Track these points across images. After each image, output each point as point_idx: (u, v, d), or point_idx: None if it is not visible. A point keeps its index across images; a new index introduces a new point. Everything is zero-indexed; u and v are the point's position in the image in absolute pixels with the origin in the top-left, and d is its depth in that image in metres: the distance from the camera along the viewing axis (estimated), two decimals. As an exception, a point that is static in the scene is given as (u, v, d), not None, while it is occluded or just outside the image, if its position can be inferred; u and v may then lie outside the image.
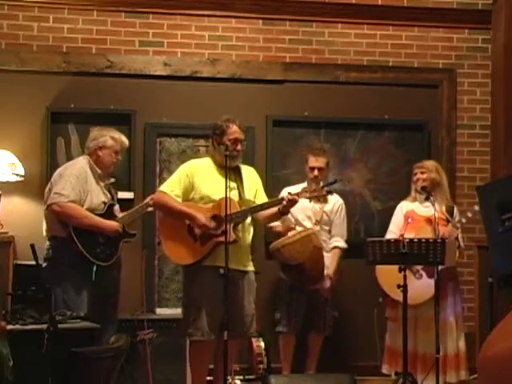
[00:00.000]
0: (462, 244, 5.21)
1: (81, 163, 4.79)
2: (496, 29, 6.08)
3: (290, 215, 5.23)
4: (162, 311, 5.38)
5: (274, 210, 4.51)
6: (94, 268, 4.60)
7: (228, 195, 4.22)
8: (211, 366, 4.76)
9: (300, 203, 4.91)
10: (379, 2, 6.08)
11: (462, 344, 5.08)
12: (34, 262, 3.60)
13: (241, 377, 5.44)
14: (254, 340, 5.40)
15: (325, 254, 5.22)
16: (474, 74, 6.22)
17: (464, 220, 5.05)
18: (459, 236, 5.15)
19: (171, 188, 4.57)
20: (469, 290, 5.96)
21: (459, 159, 6.16)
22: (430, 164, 5.32)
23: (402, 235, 4.84)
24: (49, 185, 4.79)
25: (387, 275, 4.86)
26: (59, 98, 5.63)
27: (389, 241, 4.58)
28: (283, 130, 5.92)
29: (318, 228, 5.26)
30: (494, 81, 6.13)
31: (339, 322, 5.44)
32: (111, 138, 4.84)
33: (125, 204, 5.18)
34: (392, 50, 6.10)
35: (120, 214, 4.89)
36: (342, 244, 5.38)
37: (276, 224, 5.31)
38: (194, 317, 4.46)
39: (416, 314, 4.97)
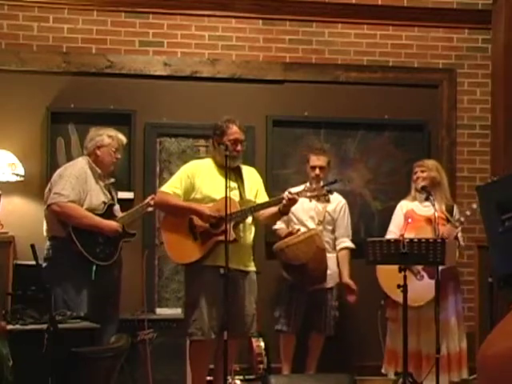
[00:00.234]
0: (462, 242, 5.21)
1: (80, 164, 4.80)
2: (496, 29, 6.08)
3: (292, 216, 5.26)
4: (162, 311, 5.38)
5: (275, 209, 4.51)
6: (94, 268, 4.61)
7: (228, 195, 4.22)
8: (211, 366, 4.77)
9: (303, 204, 4.92)
10: (379, 2, 6.08)
11: (463, 343, 5.09)
12: (34, 262, 3.60)
13: (241, 377, 5.44)
14: (254, 340, 5.41)
15: (328, 254, 5.22)
16: (474, 73, 6.22)
17: (463, 219, 5.06)
18: (459, 235, 5.15)
19: (172, 188, 4.59)
20: (469, 290, 5.95)
21: (459, 159, 6.16)
22: (430, 163, 5.33)
23: (402, 235, 4.84)
24: (49, 185, 4.79)
25: (388, 276, 4.86)
26: (59, 98, 5.63)
27: (389, 241, 4.59)
28: (283, 129, 5.92)
29: (320, 228, 5.26)
30: (494, 81, 6.13)
31: (340, 321, 5.43)
32: (108, 136, 4.85)
33: (125, 204, 5.18)
34: (392, 50, 6.10)
35: (120, 214, 4.89)
36: (350, 244, 5.38)
37: (280, 226, 5.32)
38: (195, 317, 4.46)
39: (418, 314, 4.97)
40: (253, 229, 4.64)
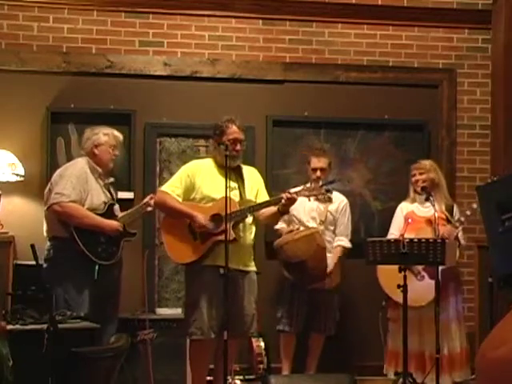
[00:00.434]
0: (462, 242, 5.21)
1: (80, 164, 4.79)
2: (496, 29, 6.08)
3: (294, 217, 5.26)
4: (162, 311, 5.38)
5: (274, 209, 4.52)
6: (97, 267, 4.61)
7: (228, 195, 4.22)
8: (211, 366, 4.77)
9: (304, 204, 4.92)
10: (379, 2, 6.08)
11: (465, 343, 5.10)
12: (34, 262, 3.60)
13: (241, 377, 5.44)
14: (254, 340, 5.41)
15: (329, 254, 5.22)
16: (474, 73, 6.21)
17: (463, 218, 5.06)
18: (460, 234, 5.15)
19: (172, 188, 4.59)
20: (469, 290, 5.95)
21: (459, 159, 6.16)
22: (427, 164, 5.32)
23: (402, 235, 4.84)
24: (48, 185, 4.79)
25: (388, 278, 4.86)
26: (59, 98, 5.63)
27: (389, 241, 4.59)
28: (283, 129, 5.92)
29: (322, 228, 5.26)
30: (494, 81, 6.12)
31: (340, 321, 5.43)
32: (104, 134, 4.85)
33: (125, 204, 5.17)
34: (392, 50, 6.10)
35: (120, 214, 4.90)
36: (346, 243, 5.38)
37: (281, 226, 5.32)
38: (194, 316, 4.47)
39: (420, 315, 4.98)
40: (253, 229, 4.64)
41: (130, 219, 4.93)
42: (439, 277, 4.71)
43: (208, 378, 4.80)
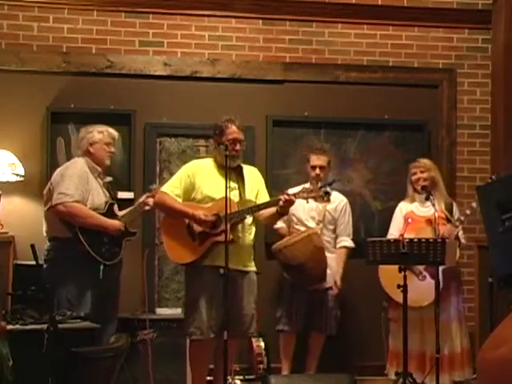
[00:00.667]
0: (463, 241, 5.21)
1: (80, 163, 4.77)
2: (496, 29, 6.08)
3: (293, 216, 5.26)
4: (162, 311, 5.38)
5: (273, 210, 4.51)
6: (101, 267, 4.60)
7: (228, 195, 4.22)
8: (211, 366, 4.77)
9: (303, 203, 4.92)
10: (379, 2, 6.08)
11: (466, 343, 5.10)
12: (34, 262, 3.60)
13: (241, 377, 5.44)
14: (254, 340, 5.41)
15: (329, 254, 5.22)
16: (474, 73, 6.21)
17: (463, 218, 5.06)
18: (460, 233, 5.15)
19: (171, 188, 4.59)
20: (469, 290, 5.95)
21: (459, 159, 6.16)
22: (427, 163, 5.32)
23: (402, 235, 4.84)
24: (48, 185, 4.77)
25: (390, 279, 4.85)
26: (59, 98, 5.63)
27: (389, 241, 4.59)
28: (283, 129, 5.92)
29: (320, 227, 5.26)
30: (494, 81, 6.12)
31: (341, 321, 5.43)
32: (98, 132, 4.84)
33: (125, 204, 5.17)
34: (392, 50, 6.10)
35: (119, 213, 4.89)
36: (349, 243, 5.39)
37: (280, 226, 5.32)
38: (194, 316, 4.47)
39: (422, 315, 4.97)
40: (253, 229, 4.64)
41: (130, 218, 4.93)
42: (439, 277, 4.72)
43: (208, 378, 4.80)
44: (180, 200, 4.57)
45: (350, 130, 6.03)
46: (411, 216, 5.22)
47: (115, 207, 4.87)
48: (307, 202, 4.70)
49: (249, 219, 4.57)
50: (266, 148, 5.88)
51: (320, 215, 5.31)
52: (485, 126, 6.17)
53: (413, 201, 5.29)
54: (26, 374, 3.54)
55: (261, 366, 5.41)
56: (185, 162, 4.99)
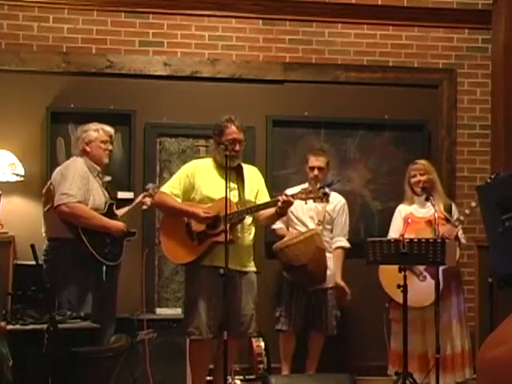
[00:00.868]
0: (463, 241, 5.21)
1: (80, 163, 4.70)
2: (496, 29, 6.08)
3: (292, 216, 5.26)
4: (162, 311, 5.38)
5: (272, 210, 4.51)
6: (104, 268, 4.58)
7: (228, 196, 4.22)
8: (211, 366, 4.77)
9: (302, 204, 4.91)
10: (379, 2, 6.08)
11: (467, 343, 5.10)
12: (34, 262, 3.60)
13: (241, 377, 5.44)
14: (254, 340, 5.40)
15: (328, 254, 5.22)
16: (474, 74, 6.21)
17: (462, 217, 5.06)
18: (459, 233, 5.15)
19: (171, 188, 4.60)
20: (469, 290, 5.95)
21: (459, 159, 6.16)
22: (426, 164, 5.30)
23: (402, 235, 4.84)
24: (48, 184, 4.73)
25: (390, 279, 4.85)
26: (59, 98, 5.63)
27: (389, 241, 4.59)
28: (283, 129, 5.92)
29: (320, 228, 5.26)
30: (494, 81, 6.12)
31: (342, 321, 5.43)
32: (94, 130, 4.77)
33: (125, 204, 5.16)
34: (392, 50, 6.10)
35: (117, 213, 4.87)
36: (345, 243, 5.38)
37: (279, 226, 5.32)
38: (193, 316, 4.48)
39: (423, 316, 4.97)
40: (252, 229, 4.64)
41: (129, 219, 4.91)
42: (439, 277, 4.72)
43: (208, 378, 4.80)
44: (179, 200, 4.58)
45: (350, 130, 6.03)
46: (411, 217, 5.21)
47: (114, 207, 4.85)
48: (306, 203, 4.69)
49: (248, 219, 4.57)
50: (266, 148, 5.88)
51: (320, 215, 5.31)
52: (485, 126, 6.17)
53: (412, 203, 5.28)
54: (26, 374, 3.55)
55: (261, 366, 5.41)
56: (185, 162, 4.99)
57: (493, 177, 4.73)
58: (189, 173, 4.62)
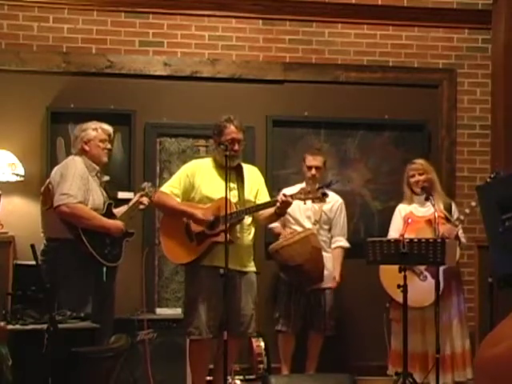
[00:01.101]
0: (463, 240, 5.21)
1: (79, 162, 4.65)
2: (496, 29, 6.08)
3: (289, 216, 5.25)
4: (162, 311, 5.38)
5: (272, 210, 4.51)
6: (104, 269, 4.56)
7: (228, 196, 4.22)
8: (211, 366, 4.77)
9: (299, 203, 4.91)
10: (379, 2, 6.08)
11: (467, 343, 5.10)
12: (34, 262, 3.60)
13: (241, 377, 5.44)
14: (253, 340, 5.40)
15: (325, 254, 5.22)
16: (474, 74, 6.21)
17: (462, 217, 5.05)
18: (460, 232, 5.15)
19: (170, 188, 4.60)
20: (469, 290, 5.94)
21: (459, 159, 6.16)
22: (424, 164, 5.30)
23: (402, 235, 4.83)
24: (47, 183, 4.68)
25: (391, 279, 4.84)
26: (59, 98, 5.63)
27: (389, 241, 4.59)
28: (283, 129, 5.92)
29: (317, 227, 5.26)
30: (494, 81, 6.12)
31: (341, 321, 5.43)
32: (92, 129, 4.73)
33: (125, 204, 5.15)
34: (392, 50, 6.10)
35: (115, 213, 4.85)
36: (344, 243, 5.39)
37: (275, 225, 5.32)
38: (192, 316, 4.48)
39: (423, 315, 4.97)
40: (252, 230, 4.64)
41: (127, 219, 4.89)
42: (440, 277, 4.71)
43: (208, 378, 4.80)
44: (179, 200, 4.58)
45: (350, 130, 6.03)
46: (411, 216, 5.21)
47: (112, 207, 4.83)
48: (304, 203, 4.68)
49: (247, 220, 4.57)
50: (265, 148, 5.88)
51: (316, 215, 5.31)
52: (485, 126, 6.17)
53: (411, 202, 5.28)
54: (26, 374, 3.55)
55: (261, 366, 5.41)
56: (185, 162, 4.99)
57: (493, 177, 4.73)
58: (189, 172, 4.62)
